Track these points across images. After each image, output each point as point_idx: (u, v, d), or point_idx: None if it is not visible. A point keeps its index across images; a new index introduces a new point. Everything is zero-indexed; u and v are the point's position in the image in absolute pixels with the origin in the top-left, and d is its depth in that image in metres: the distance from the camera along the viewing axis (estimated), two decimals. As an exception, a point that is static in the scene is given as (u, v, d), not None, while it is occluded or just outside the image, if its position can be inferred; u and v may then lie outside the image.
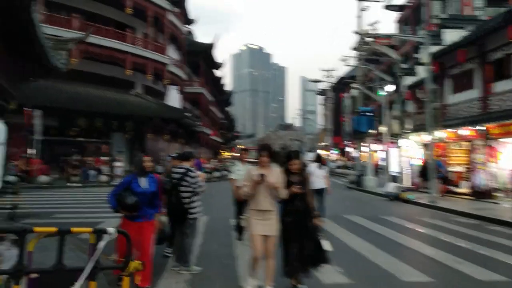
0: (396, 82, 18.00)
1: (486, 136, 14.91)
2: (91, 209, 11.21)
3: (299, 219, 4.43)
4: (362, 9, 21.92)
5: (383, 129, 20.29)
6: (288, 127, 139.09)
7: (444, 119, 17.56)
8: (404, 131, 18.81)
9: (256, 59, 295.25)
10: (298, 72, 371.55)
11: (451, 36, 18.62)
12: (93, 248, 3.05)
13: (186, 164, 5.54)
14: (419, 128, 18.93)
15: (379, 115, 31.92)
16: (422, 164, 18.21)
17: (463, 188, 16.37)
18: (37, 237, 3.03)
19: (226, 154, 66.52)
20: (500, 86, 15.40)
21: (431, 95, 14.77)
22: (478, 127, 15.06)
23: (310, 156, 17.52)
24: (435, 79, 17.22)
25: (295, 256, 4.32)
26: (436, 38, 16.87)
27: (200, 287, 4.84)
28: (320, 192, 9.28)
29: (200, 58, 42.22)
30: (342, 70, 78.75)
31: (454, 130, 16.67)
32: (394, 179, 18.98)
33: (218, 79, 56.07)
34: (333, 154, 49.42)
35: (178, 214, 5.24)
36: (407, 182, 19.07)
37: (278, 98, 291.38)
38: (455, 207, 12.75)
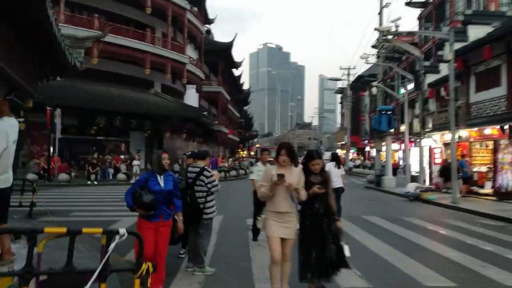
0: (417, 80, 17.50)
1: (512, 135, 14.38)
2: (108, 208, 11.29)
3: (319, 222, 4.20)
4: (383, 6, 21.52)
5: (403, 128, 19.85)
6: (306, 126, 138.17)
7: (468, 118, 17.04)
8: (425, 130, 18.31)
9: (275, 58, 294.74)
10: (317, 70, 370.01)
11: (475, 32, 18.04)
12: (104, 249, 2.98)
13: (202, 163, 5.44)
14: (441, 127, 18.43)
15: (399, 114, 31.40)
16: (443, 164, 17.73)
17: (488, 189, 15.86)
18: (47, 238, 2.98)
19: (243, 153, 66.58)
20: (528, 83, 14.82)
21: (455, 93, 14.30)
22: (503, 126, 14.54)
23: (326, 155, 17.29)
24: (459, 76, 16.72)
25: (313, 260, 4.12)
26: (461, 34, 16.35)
27: (214, 289, 4.74)
28: (337, 191, 9.11)
29: (219, 57, 42.33)
30: (361, 68, 77.77)
31: (478, 129, 16.16)
32: (414, 179, 18.56)
33: (236, 78, 56.14)
34: (351, 153, 48.79)
35: (193, 214, 5.14)
36: (427, 182, 18.61)
37: (296, 97, 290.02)
38: (478, 208, 12.33)
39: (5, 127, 4.01)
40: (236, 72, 54.53)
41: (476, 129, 16.32)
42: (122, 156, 23.30)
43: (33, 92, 6.22)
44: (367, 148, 52.03)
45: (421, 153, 18.40)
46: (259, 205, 6.70)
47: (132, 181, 20.03)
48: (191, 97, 34.03)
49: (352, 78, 42.14)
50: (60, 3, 22.50)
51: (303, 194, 4.07)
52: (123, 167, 22.27)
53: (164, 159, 4.45)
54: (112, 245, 2.97)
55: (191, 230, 5.28)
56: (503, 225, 9.88)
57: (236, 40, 43.68)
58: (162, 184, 4.36)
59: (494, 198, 14.82)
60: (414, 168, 19.42)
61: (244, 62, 56.54)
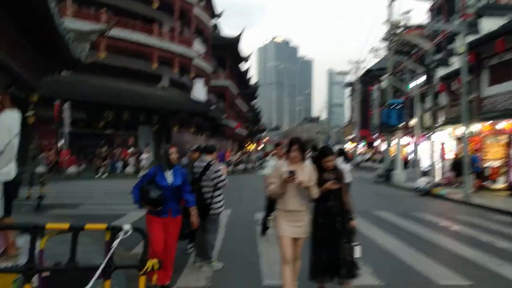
0: (428, 73, 17.19)
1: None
2: (117, 201, 11.26)
3: (333, 221, 4.00)
4: (393, -1, 21.12)
5: (414, 122, 19.56)
6: (314, 120, 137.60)
7: (480, 112, 16.71)
8: (436, 124, 18.02)
9: (282, 52, 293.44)
10: (325, 64, 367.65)
11: (488, 25, 17.62)
12: (108, 245, 2.88)
13: (209, 158, 5.32)
14: (452, 121, 18.13)
15: (409, 108, 31.01)
16: (455, 158, 17.44)
17: (500, 184, 15.57)
18: (50, 234, 2.90)
19: (251, 147, 66.51)
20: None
21: (466, 86, 13.99)
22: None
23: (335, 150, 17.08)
24: (471, 70, 16.36)
25: (325, 260, 3.95)
26: (473, 27, 15.98)
27: (221, 285, 4.65)
28: (347, 186, 8.97)
29: (226, 51, 42.15)
30: (370, 62, 77.00)
31: (491, 123, 15.83)
32: (425, 173, 18.31)
33: (244, 72, 55.92)
34: (360, 148, 48.46)
35: (199, 209, 5.02)
36: (438, 177, 18.35)
37: (304, 92, 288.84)
38: (491, 203, 12.09)
39: (7, 121, 3.93)
40: (243, 66, 54.33)
41: (488, 123, 16.01)
42: (130, 150, 23.35)
43: (38, 86, 6.14)
44: (376, 142, 51.63)
45: (432, 148, 18.12)
46: (272, 202, 6.56)
47: (141, 174, 20.07)
48: (199, 91, 33.94)
49: (361, 72, 41.73)
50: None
51: (315, 192, 3.88)
52: (131, 160, 22.31)
53: (172, 154, 4.29)
54: (116, 242, 2.88)
55: (198, 225, 5.18)
56: (517, 221, 9.66)
57: (244, 35, 43.48)
58: (170, 179, 4.23)
59: (507, 193, 14.55)
60: (425, 163, 19.15)
61: (252, 56, 56.31)
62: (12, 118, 4.01)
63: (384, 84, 22.88)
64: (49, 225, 2.84)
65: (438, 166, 18.89)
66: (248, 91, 61.12)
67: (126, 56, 25.84)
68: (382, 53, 23.32)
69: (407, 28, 18.38)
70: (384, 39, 21.65)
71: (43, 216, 8.10)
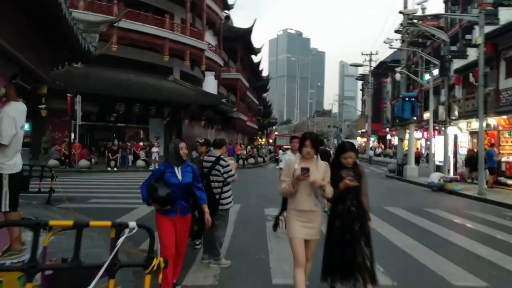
0: (443, 65, 16.77)
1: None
2: (127, 194, 11.28)
3: (351, 223, 3.76)
4: (408, -12, 20.64)
5: (427, 115, 19.18)
6: (326, 113, 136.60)
7: (497, 105, 16.29)
8: (451, 118, 17.63)
9: (294, 44, 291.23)
10: (337, 57, 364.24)
11: (506, 15, 17.10)
12: (113, 243, 2.81)
13: (218, 152, 5.21)
14: (468, 114, 17.74)
15: (423, 101, 30.48)
16: (469, 153, 17.07)
17: (517, 180, 15.22)
18: (53, 231, 2.84)
19: (261, 141, 66.42)
20: None
21: (484, 79, 13.60)
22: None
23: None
24: (488, 61, 15.96)
25: (339, 259, 3.77)
26: (491, 17, 15.51)
27: (229, 283, 4.56)
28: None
29: (238, 43, 41.91)
30: (383, 54, 75.92)
31: (508, 117, 15.44)
32: (438, 168, 17.98)
33: (255, 65, 55.62)
34: (372, 142, 47.96)
35: (208, 205, 4.94)
36: (452, 172, 18.01)
37: (316, 84, 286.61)
38: (507, 200, 11.80)
39: (13, 113, 3.87)
40: (255, 58, 54.04)
41: (505, 117, 15.64)
42: (141, 143, 23.44)
43: (47, 78, 6.09)
44: (388, 136, 51.07)
45: (446, 142, 17.76)
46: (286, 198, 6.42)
47: (152, 168, 20.13)
48: (210, 84, 33.84)
49: (374, 64, 41.16)
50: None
51: (329, 191, 3.60)
52: (142, 154, 22.39)
53: (182, 149, 4.05)
54: (121, 240, 2.81)
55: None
56: (535, 218, 9.40)
57: (256, 26, 43.11)
58: (179, 176, 3.99)
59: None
60: (438, 158, 18.79)
61: (264, 48, 55.95)
62: (18, 110, 3.95)
63: (398, 76, 22.40)
64: (53, 222, 2.78)
65: (452, 161, 18.54)
66: (260, 84, 60.86)
67: (138, 48, 25.84)
68: (396, 44, 22.87)
69: (423, 18, 17.92)
70: (399, 30, 21.20)
71: (52, 210, 8.13)
